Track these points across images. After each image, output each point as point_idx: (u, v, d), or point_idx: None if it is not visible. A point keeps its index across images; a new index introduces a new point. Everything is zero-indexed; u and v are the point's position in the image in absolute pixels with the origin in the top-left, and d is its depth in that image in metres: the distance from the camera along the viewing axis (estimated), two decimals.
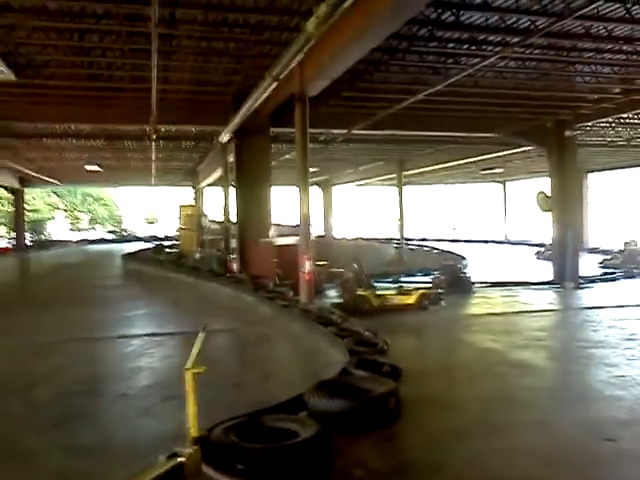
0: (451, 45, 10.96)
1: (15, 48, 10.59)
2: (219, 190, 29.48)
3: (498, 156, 23.74)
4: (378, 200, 45.86)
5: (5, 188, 32.30)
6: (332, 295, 13.79)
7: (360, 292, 11.70)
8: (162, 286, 14.90)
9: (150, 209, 47.76)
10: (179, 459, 3.67)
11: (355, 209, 46.41)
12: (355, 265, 12.52)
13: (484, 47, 10.92)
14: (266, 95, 10.86)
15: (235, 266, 15.75)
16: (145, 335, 9.44)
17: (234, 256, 16.13)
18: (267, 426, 4.46)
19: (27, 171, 27.62)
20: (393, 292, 12.02)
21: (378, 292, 11.81)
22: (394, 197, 31.34)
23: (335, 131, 16.85)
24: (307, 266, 10.62)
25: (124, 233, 40.45)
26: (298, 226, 27.69)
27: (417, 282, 14.88)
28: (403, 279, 14.56)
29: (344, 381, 5.49)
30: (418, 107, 14.14)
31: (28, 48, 10.79)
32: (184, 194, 36.98)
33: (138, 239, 34.58)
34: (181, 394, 6.01)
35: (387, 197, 41.90)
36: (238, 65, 11.97)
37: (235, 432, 4.23)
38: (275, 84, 9.91)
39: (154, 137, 16.26)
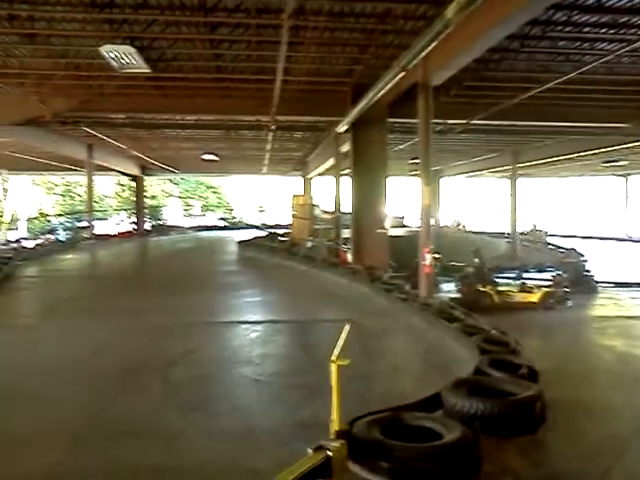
0: (587, 29, 10.33)
1: (149, 43, 11.12)
2: (328, 180, 29.87)
3: (623, 147, 22.19)
4: (487, 192, 44.47)
5: (128, 175, 34.22)
6: (447, 289, 13.48)
7: (480, 287, 11.36)
8: (277, 274, 15.17)
9: (260, 198, 49.08)
10: (327, 453, 3.66)
11: (464, 201, 45.21)
12: (476, 259, 12.15)
13: (625, 30, 10.20)
14: (390, 86, 10.70)
15: (349, 256, 15.79)
16: (267, 322, 9.63)
17: (347, 246, 16.17)
18: (408, 424, 4.38)
19: (149, 160, 29.14)
20: (515, 289, 11.58)
21: (499, 288, 11.42)
22: (505, 189, 30.21)
23: (452, 121, 16.41)
24: (427, 258, 10.41)
25: (235, 220, 41.70)
26: (404, 217, 27.27)
27: (534, 279, 14.24)
28: (523, 275, 13.99)
29: (481, 381, 5.31)
30: (542, 96, 13.45)
31: (161, 42, 11.28)
32: (292, 183, 37.73)
33: (249, 226, 35.48)
34: (309, 383, 6.15)
35: (497, 189, 40.59)
36: (360, 55, 11.90)
37: (377, 428, 4.18)
38: (401, 74, 9.74)
39: (273, 128, 16.57)
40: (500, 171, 31.38)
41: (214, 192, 54.27)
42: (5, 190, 35.46)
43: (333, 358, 4.01)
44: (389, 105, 13.46)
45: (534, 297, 11.18)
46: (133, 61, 10.33)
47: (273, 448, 4.42)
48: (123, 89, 14.05)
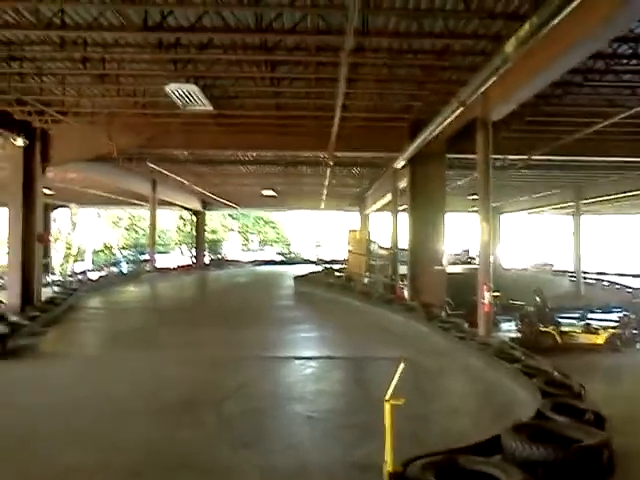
0: None
1: (212, 81, 11.48)
2: (385, 215, 29.80)
3: None
4: (548, 229, 43.35)
5: (189, 210, 35.15)
6: (507, 328, 13.10)
7: (542, 327, 10.97)
8: (333, 309, 15.10)
9: (317, 233, 49.39)
10: None
11: (523, 238, 44.18)
12: (537, 298, 11.78)
13: None
14: (449, 121, 10.66)
15: (405, 292, 15.60)
16: (321, 358, 9.54)
17: (404, 282, 15.98)
18: (464, 467, 4.21)
19: (210, 195, 29.87)
20: (579, 329, 11.12)
21: (562, 329, 11.00)
22: (567, 226, 29.36)
23: (513, 157, 16.15)
24: (487, 297, 10.15)
25: (292, 255, 42.06)
26: (461, 254, 26.81)
27: (600, 319, 13.65)
28: (588, 316, 13.44)
29: (543, 426, 5.07)
30: (606, 131, 13.13)
31: (223, 81, 11.64)
32: (350, 219, 37.83)
33: (305, 261, 35.68)
34: (363, 422, 6.02)
35: (558, 226, 39.54)
36: (419, 91, 11.93)
37: (431, 471, 4.04)
38: (460, 110, 9.69)
39: (331, 164, 16.72)
40: (562, 207, 30.60)
41: (272, 227, 55.05)
42: (73, 223, 36.93)
43: (387, 397, 3.91)
44: (447, 140, 13.40)
45: (599, 338, 10.73)
46: (197, 99, 10.64)
47: None
48: (186, 126, 14.51)
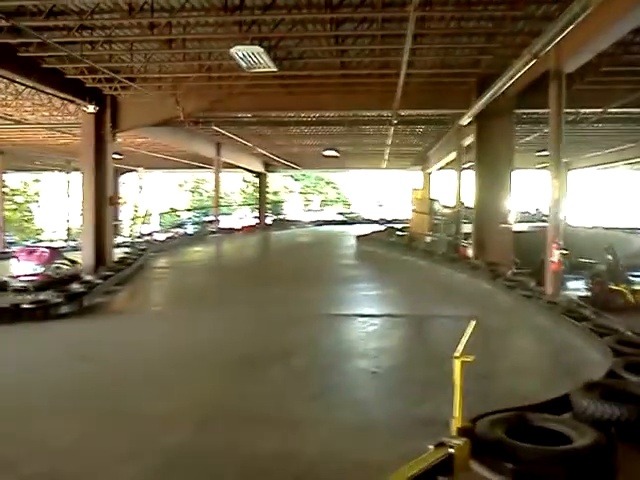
0: None
1: (276, 42, 11.47)
2: (449, 174, 29.23)
3: None
4: (621, 185, 41.50)
5: (252, 172, 35.57)
6: (575, 287, 12.81)
7: (613, 286, 10.69)
8: (396, 268, 15.11)
9: (377, 192, 49.09)
10: (449, 450, 3.58)
11: (593, 195, 42.49)
12: (609, 255, 11.44)
13: None
14: (519, 75, 10.30)
15: (469, 251, 15.45)
16: (384, 316, 9.68)
17: (468, 241, 15.81)
18: (533, 425, 4.22)
19: (272, 157, 30.09)
20: None
21: (635, 287, 10.68)
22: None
23: (586, 110, 15.49)
24: (556, 255, 9.94)
25: (353, 215, 41.97)
26: (527, 212, 26.10)
27: None
28: None
29: (615, 385, 5.00)
30: None
31: (287, 41, 11.60)
32: (411, 178, 37.38)
33: (367, 221, 35.58)
34: (427, 378, 6.09)
35: (630, 182, 37.84)
36: (488, 44, 11.53)
37: (500, 428, 4.06)
38: (532, 62, 9.33)
39: (395, 122, 16.51)
40: (638, 162, 29.19)
41: (333, 187, 55.05)
42: (140, 187, 38.00)
43: (457, 354, 3.94)
44: (517, 95, 12.98)
45: None
46: (261, 61, 10.68)
47: (392, 442, 4.42)
48: (250, 88, 14.59)
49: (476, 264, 13.32)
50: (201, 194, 50.32)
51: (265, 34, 10.75)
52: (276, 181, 48.96)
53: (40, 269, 12.72)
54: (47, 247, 15.47)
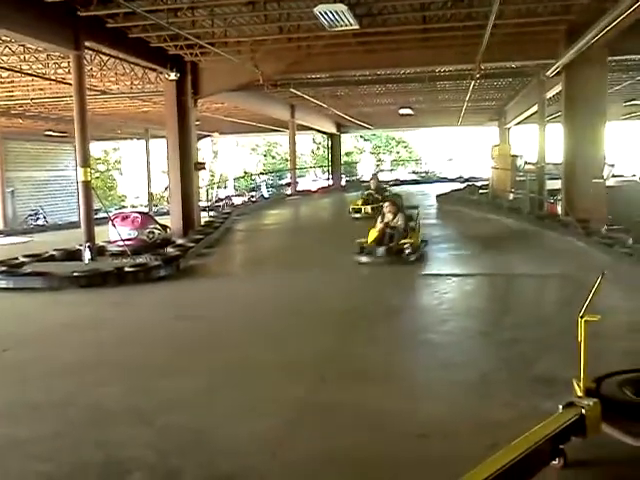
0: None
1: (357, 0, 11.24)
2: (526, 128, 28.20)
3: None
4: None
5: (324, 133, 35.48)
6: None
7: None
8: (482, 227, 14.75)
9: (450, 150, 47.96)
10: (581, 410, 3.50)
11: None
12: None
13: None
14: (618, 19, 9.69)
15: (557, 208, 14.95)
16: (477, 275, 9.69)
17: (557, 197, 15.28)
18: None
19: (346, 117, 29.85)
20: None
21: None
22: None
23: None
24: None
25: (427, 174, 41.21)
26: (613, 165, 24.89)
27: None
28: None
29: None
30: None
31: None
32: (485, 134, 36.30)
33: (442, 180, 34.89)
34: (538, 337, 5.96)
35: None
36: None
37: (629, 388, 3.95)
38: (634, 7, 8.75)
39: (477, 76, 15.98)
40: None
41: (404, 147, 54.17)
42: (215, 152, 38.66)
43: (581, 314, 3.84)
44: (610, 42, 12.24)
45: None
46: (343, 19, 10.54)
47: (512, 401, 4.38)
48: (328, 48, 14.43)
49: (566, 221, 12.91)
50: (274, 157, 50.73)
51: None
52: (347, 142, 48.66)
53: (134, 234, 13.22)
54: (139, 212, 16.06)
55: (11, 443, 3.98)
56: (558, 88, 15.53)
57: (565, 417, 3.47)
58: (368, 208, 16.80)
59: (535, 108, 19.29)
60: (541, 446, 3.17)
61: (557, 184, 15.44)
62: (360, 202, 17.70)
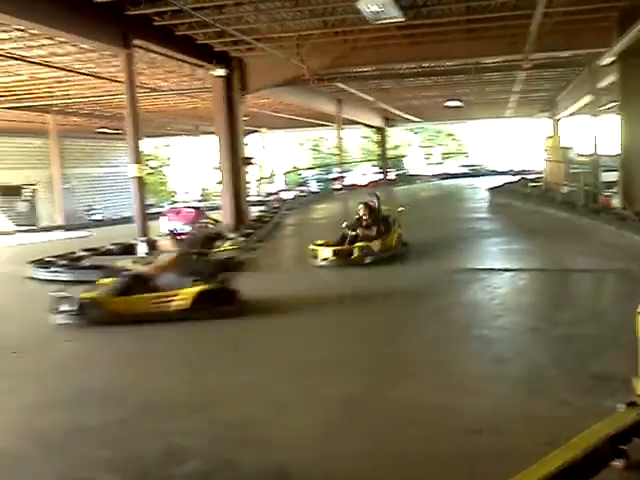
0: None
1: None
2: (578, 120, 27.28)
3: None
4: None
5: (371, 127, 35.31)
6: None
7: None
8: (535, 221, 14.41)
9: (499, 143, 47.03)
10: None
11: None
12: None
13: None
14: None
15: (613, 201, 14.49)
16: (531, 270, 9.44)
17: (613, 190, 14.81)
18: None
19: (393, 110, 29.61)
20: None
21: None
22: None
23: None
24: None
25: (477, 167, 40.45)
26: None
27: None
28: None
29: None
30: None
31: None
32: (534, 126, 35.41)
33: (492, 172, 34.20)
34: (592, 334, 5.74)
35: None
36: None
37: None
38: None
39: (526, 66, 15.59)
40: None
41: (453, 139, 53.43)
42: (263, 147, 38.93)
43: (639, 309, 3.69)
44: None
45: None
46: (388, 11, 10.44)
47: (569, 399, 4.25)
48: (373, 41, 14.37)
49: (624, 215, 12.51)
50: (321, 152, 50.79)
51: None
52: (395, 135, 48.27)
53: (187, 228, 13.43)
54: (192, 207, 16.33)
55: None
56: (612, 77, 15.04)
57: (626, 417, 3.35)
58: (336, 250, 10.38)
59: (588, 99, 18.72)
60: (600, 446, 3.07)
61: (612, 176, 14.97)
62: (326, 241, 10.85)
